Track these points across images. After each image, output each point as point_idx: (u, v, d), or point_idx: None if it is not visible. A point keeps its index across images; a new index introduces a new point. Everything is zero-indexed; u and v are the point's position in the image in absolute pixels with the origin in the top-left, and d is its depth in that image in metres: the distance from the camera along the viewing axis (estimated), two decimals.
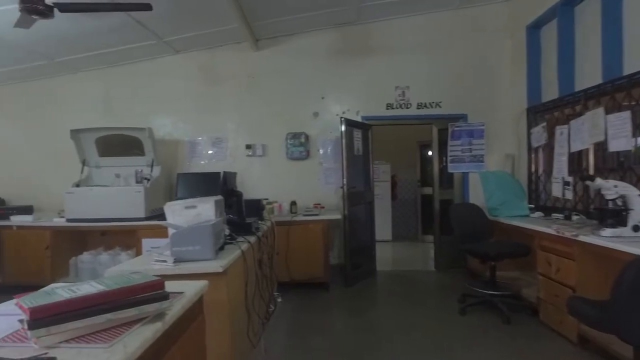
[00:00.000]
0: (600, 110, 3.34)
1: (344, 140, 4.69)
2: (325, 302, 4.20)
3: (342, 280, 4.74)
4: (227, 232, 2.52)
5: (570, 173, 3.82)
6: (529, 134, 4.62)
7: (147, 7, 2.97)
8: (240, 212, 3.01)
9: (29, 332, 0.94)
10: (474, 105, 5.19)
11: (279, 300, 3.76)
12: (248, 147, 5.22)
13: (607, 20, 3.42)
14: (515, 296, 3.75)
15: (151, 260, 2.03)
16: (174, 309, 1.22)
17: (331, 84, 5.24)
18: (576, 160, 3.77)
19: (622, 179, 3.06)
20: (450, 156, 5.21)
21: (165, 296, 1.16)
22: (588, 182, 2.98)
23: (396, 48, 5.22)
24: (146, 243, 2.63)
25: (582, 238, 2.79)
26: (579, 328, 2.85)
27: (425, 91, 5.20)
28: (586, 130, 3.52)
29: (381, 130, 5.55)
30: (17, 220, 4.57)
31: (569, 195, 3.83)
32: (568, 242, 2.96)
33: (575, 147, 3.69)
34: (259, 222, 3.29)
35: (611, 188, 2.71)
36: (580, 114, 3.65)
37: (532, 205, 4.31)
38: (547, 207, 4.25)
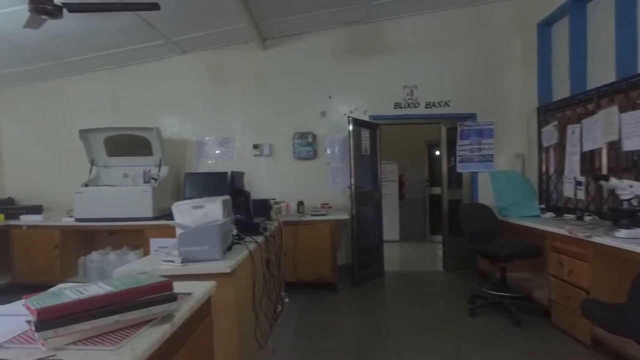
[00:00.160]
0: (614, 109, 3.27)
1: (351, 140, 4.66)
2: (333, 303, 4.18)
3: (350, 280, 4.71)
4: (234, 232, 2.51)
5: (582, 173, 3.75)
6: (539, 133, 4.55)
7: (155, 7, 2.97)
8: (247, 212, 3.00)
9: (36, 334, 0.93)
10: (483, 104, 5.13)
11: (287, 300, 3.74)
12: (255, 146, 5.21)
13: (621, 16, 3.35)
14: (526, 298, 3.70)
15: (159, 260, 2.02)
16: (182, 311, 1.21)
17: (339, 83, 5.21)
18: (588, 159, 3.70)
19: (636, 179, 3.00)
20: (459, 156, 5.15)
21: (173, 297, 1.14)
22: (602, 182, 2.93)
23: (404, 47, 5.18)
24: (154, 243, 2.63)
25: (595, 239, 2.73)
26: (593, 331, 2.79)
27: (434, 90, 5.15)
28: (599, 129, 3.45)
29: (389, 129, 5.51)
30: (26, 219, 4.60)
31: (581, 195, 3.76)
32: (581, 243, 2.91)
33: (588, 146, 3.62)
34: (267, 222, 3.27)
35: (626, 188, 2.66)
36: (592, 113, 3.58)
37: (543, 206, 4.24)
38: (558, 208, 4.18)
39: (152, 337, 1.03)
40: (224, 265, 1.96)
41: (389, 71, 5.18)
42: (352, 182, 4.64)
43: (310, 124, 5.20)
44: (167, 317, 1.13)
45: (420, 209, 7.93)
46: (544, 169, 4.53)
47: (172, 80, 5.26)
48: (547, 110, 4.43)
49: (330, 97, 5.22)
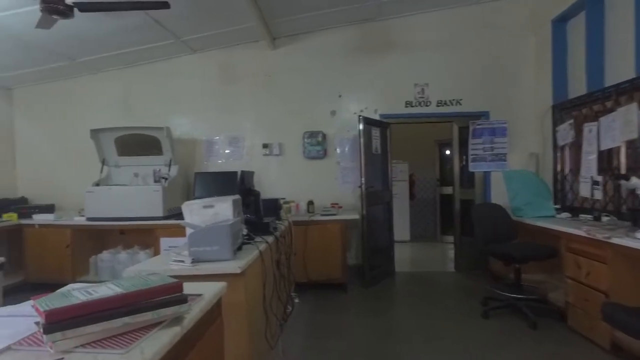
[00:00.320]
0: (634, 106, 3.17)
1: (362, 139, 4.61)
2: (343, 303, 4.14)
3: (360, 281, 4.66)
4: (244, 231, 2.49)
5: (599, 172, 3.65)
6: (554, 132, 4.45)
7: (165, 6, 2.96)
8: (257, 212, 2.97)
9: (44, 336, 0.91)
10: (496, 103, 5.04)
11: (297, 301, 3.71)
12: (265, 146, 5.19)
13: None
14: (541, 300, 3.61)
15: (169, 260, 2.00)
16: (193, 313, 1.18)
17: (349, 81, 5.17)
18: (606, 158, 3.60)
19: None
20: (472, 155, 5.07)
21: (183, 299, 1.11)
22: (622, 182, 2.84)
23: (415, 44, 5.11)
24: (164, 242, 2.62)
25: (615, 240, 2.65)
26: (612, 335, 2.71)
27: (446, 88, 5.08)
28: (618, 128, 3.35)
29: (398, 128, 5.45)
30: (39, 218, 4.65)
31: (599, 195, 3.66)
32: (599, 245, 2.82)
33: (606, 145, 3.53)
34: (277, 221, 3.24)
35: None
36: (611, 110, 3.49)
37: (558, 206, 4.15)
38: (574, 208, 4.08)
39: (161, 340, 1.00)
40: (234, 266, 1.93)
41: (399, 69, 5.12)
42: (363, 181, 4.60)
43: (320, 123, 5.16)
44: (177, 320, 1.11)
45: (431, 209, 7.85)
46: (558, 168, 4.43)
47: (182, 80, 5.27)
48: (563, 109, 4.33)
49: (340, 96, 5.18)
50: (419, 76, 5.10)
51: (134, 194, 4.44)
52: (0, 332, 1.06)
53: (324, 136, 5.14)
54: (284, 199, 4.44)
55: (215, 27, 4.60)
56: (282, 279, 3.05)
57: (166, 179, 4.57)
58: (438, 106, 5.10)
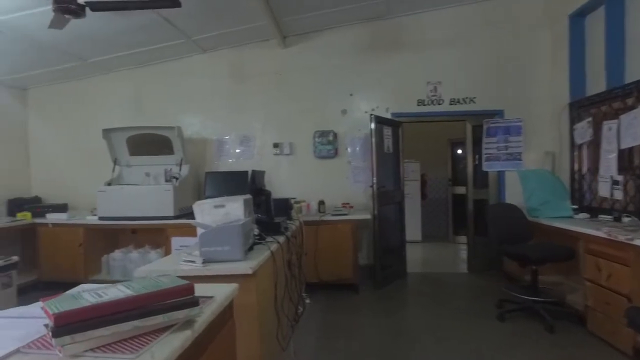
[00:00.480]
0: None
1: (373, 138, 4.55)
2: (355, 304, 4.09)
3: (372, 281, 4.61)
4: (256, 232, 2.46)
5: (620, 171, 3.54)
6: (571, 130, 4.34)
7: (176, 4, 2.95)
8: (268, 212, 2.94)
9: (53, 340, 0.88)
10: (510, 101, 4.93)
11: (308, 301, 3.68)
12: (275, 145, 5.16)
13: None
14: (559, 303, 3.51)
15: (180, 260, 1.98)
16: (204, 315, 1.15)
17: (360, 80, 5.11)
18: (627, 157, 3.49)
19: None
20: (485, 154, 4.97)
21: (195, 302, 1.08)
22: None
23: (427, 42, 5.03)
24: (175, 242, 2.61)
25: (638, 242, 2.56)
26: (635, 340, 2.62)
27: (459, 86, 4.99)
28: (639, 125, 3.24)
29: (410, 127, 5.37)
30: (52, 218, 4.69)
31: (619, 195, 3.55)
32: (621, 246, 2.73)
33: (626, 143, 3.41)
34: (288, 221, 3.21)
35: None
36: (632, 108, 3.37)
37: (576, 206, 4.04)
38: (592, 208, 3.97)
39: (172, 344, 0.97)
40: (245, 266, 1.90)
41: (411, 67, 5.04)
42: (374, 181, 4.54)
43: (330, 122, 5.12)
44: (188, 323, 1.08)
45: (443, 209, 7.74)
46: (576, 168, 4.32)
47: (192, 80, 5.27)
48: (580, 106, 4.22)
49: (351, 95, 5.13)
50: (432, 74, 5.02)
51: (145, 194, 4.46)
52: (11, 333, 1.05)
53: (335, 135, 5.09)
54: (294, 198, 4.41)
55: (225, 26, 4.59)
56: (293, 279, 3.02)
57: (177, 178, 4.58)
58: (451, 104, 5.02)
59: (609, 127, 3.66)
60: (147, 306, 0.99)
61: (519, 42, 4.92)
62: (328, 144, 5.08)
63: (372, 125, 4.56)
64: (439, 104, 5.03)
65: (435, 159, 7.68)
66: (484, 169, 5.02)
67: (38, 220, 4.69)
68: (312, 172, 5.14)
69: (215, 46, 5.13)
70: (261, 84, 5.20)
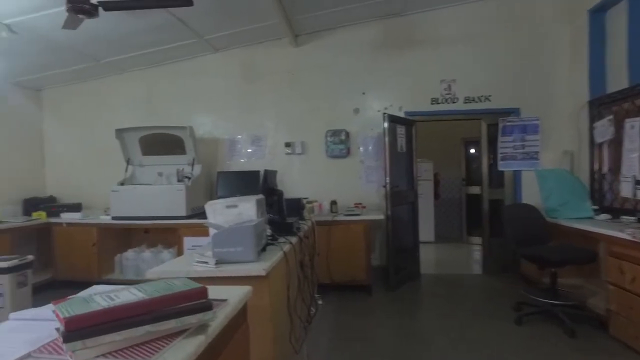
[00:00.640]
0: None
1: (387, 138, 4.49)
2: (368, 306, 4.03)
3: (385, 283, 4.55)
4: (268, 232, 2.43)
5: None
6: (591, 129, 4.22)
7: (188, 3, 2.93)
8: (281, 212, 2.90)
9: (63, 345, 0.85)
10: (527, 99, 4.82)
11: (320, 302, 3.64)
12: (287, 145, 5.13)
13: None
14: (579, 306, 3.41)
15: (192, 261, 1.96)
16: (218, 320, 1.11)
17: (372, 78, 5.05)
18: None
19: None
20: (501, 153, 4.86)
21: (208, 306, 1.04)
22: None
23: (442, 39, 4.94)
24: (187, 241, 2.60)
25: None
26: None
27: (474, 84, 4.89)
28: None
29: (423, 126, 5.29)
30: (66, 217, 4.74)
31: None
32: None
33: None
34: (300, 222, 3.17)
35: None
36: None
37: (596, 207, 3.92)
38: (613, 209, 3.85)
39: (185, 350, 0.93)
40: (258, 268, 1.86)
41: (425, 65, 4.96)
42: (387, 180, 4.47)
43: (343, 121, 5.07)
44: (201, 328, 1.04)
45: (456, 209, 7.63)
46: (596, 167, 4.19)
47: (204, 79, 5.27)
48: (601, 104, 4.09)
49: (363, 94, 5.07)
50: (446, 72, 4.93)
51: (158, 193, 4.47)
52: (23, 336, 1.03)
53: (347, 134, 5.04)
54: (306, 198, 4.37)
55: (238, 25, 4.57)
56: (305, 280, 2.98)
57: (189, 178, 4.58)
58: (465, 103, 4.92)
59: (631, 125, 3.54)
60: (160, 310, 0.96)
61: (537, 38, 4.81)
62: (340, 143, 5.03)
63: (385, 124, 4.50)
64: (453, 103, 4.94)
65: (449, 158, 7.57)
66: (500, 168, 4.92)
67: (53, 220, 4.74)
68: (324, 172, 5.10)
69: (227, 45, 5.12)
70: (273, 83, 5.18)
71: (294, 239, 2.58)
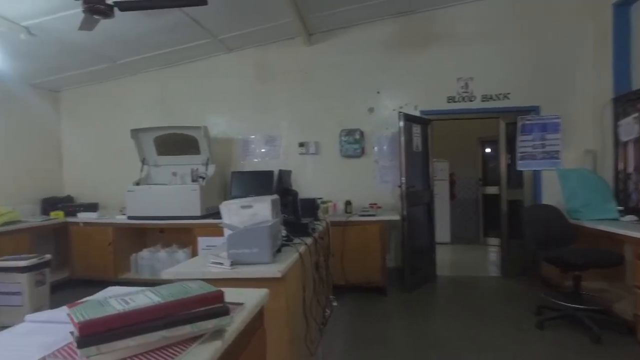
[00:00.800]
0: None
1: (402, 137, 4.41)
2: (384, 308, 3.96)
3: (400, 284, 4.47)
4: (283, 233, 2.39)
5: None
6: (615, 127, 4.08)
7: (202, 2, 2.92)
8: (295, 212, 2.87)
9: (78, 351, 0.82)
10: (547, 96, 4.69)
11: (335, 304, 3.59)
12: (301, 144, 5.09)
13: None
14: (604, 311, 3.28)
15: (208, 262, 1.93)
16: (235, 324, 1.07)
17: (387, 77, 4.98)
18: None
19: None
20: (520, 152, 4.74)
21: (225, 310, 1.01)
22: None
23: (458, 36, 4.84)
24: (202, 242, 2.59)
25: None
26: None
27: (491, 82, 4.78)
28: None
29: (438, 125, 5.19)
30: (83, 217, 4.79)
31: None
32: None
33: None
34: (315, 222, 3.13)
35: None
36: None
37: (621, 208, 3.78)
38: (639, 210, 3.70)
39: (202, 356, 0.90)
40: (274, 270, 1.83)
41: (441, 63, 4.87)
42: (403, 180, 4.40)
43: (357, 121, 5.01)
44: (217, 333, 1.00)
45: (473, 210, 7.49)
46: (620, 167, 4.05)
47: (218, 79, 5.27)
48: (626, 101, 3.95)
49: (378, 93, 5.00)
50: (463, 70, 4.83)
51: (173, 193, 4.48)
52: (38, 339, 1.01)
53: (362, 134, 4.98)
54: (321, 198, 4.34)
55: (251, 24, 4.56)
56: (320, 281, 2.93)
57: (204, 178, 4.58)
58: (483, 101, 4.81)
59: None
60: (176, 314, 0.93)
61: (558, 34, 4.67)
62: (354, 143, 4.97)
63: (401, 123, 4.42)
64: (471, 101, 4.83)
65: (465, 158, 7.44)
66: (519, 168, 4.79)
67: (70, 219, 4.80)
68: (339, 172, 5.05)
69: (241, 45, 5.12)
70: (286, 83, 5.15)
71: (309, 240, 2.54)
